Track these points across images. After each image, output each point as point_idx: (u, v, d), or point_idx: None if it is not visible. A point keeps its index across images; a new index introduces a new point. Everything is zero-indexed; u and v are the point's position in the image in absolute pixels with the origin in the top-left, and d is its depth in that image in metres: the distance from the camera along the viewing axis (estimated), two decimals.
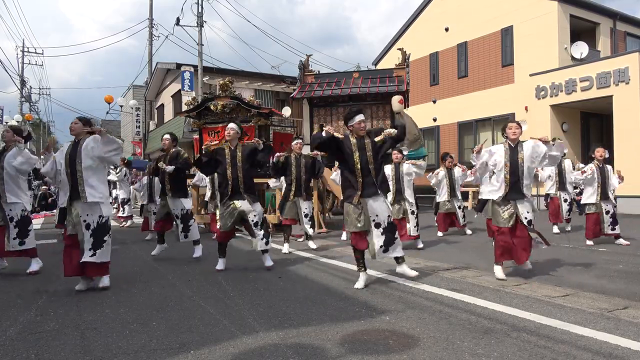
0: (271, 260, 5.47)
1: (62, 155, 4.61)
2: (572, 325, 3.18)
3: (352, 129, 4.52)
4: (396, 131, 4.45)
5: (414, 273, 4.51)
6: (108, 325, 3.34)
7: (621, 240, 7.00)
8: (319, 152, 6.78)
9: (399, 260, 4.54)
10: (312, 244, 6.91)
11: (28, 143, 5.68)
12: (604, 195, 7.03)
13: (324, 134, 4.43)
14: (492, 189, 4.81)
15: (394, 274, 4.94)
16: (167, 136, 6.49)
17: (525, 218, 4.63)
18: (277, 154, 6.90)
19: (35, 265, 5.39)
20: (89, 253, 4.39)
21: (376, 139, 4.50)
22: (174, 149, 6.42)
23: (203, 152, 5.41)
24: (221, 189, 5.42)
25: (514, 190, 4.66)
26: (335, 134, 4.49)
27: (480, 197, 4.97)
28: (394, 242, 4.42)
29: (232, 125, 5.48)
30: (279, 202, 7.24)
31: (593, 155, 7.22)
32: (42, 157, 6.12)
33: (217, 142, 5.76)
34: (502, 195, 4.69)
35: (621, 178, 7.20)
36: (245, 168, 5.28)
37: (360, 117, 4.48)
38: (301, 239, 7.60)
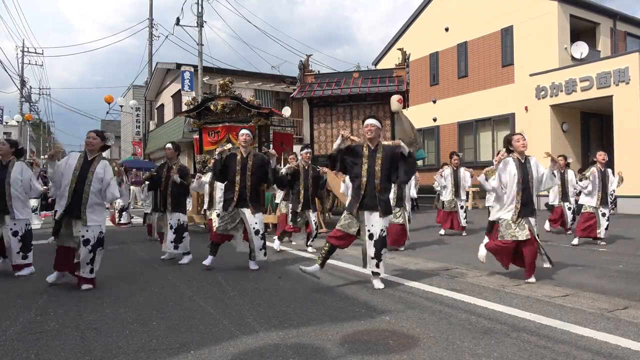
0: (256, 264, 5.44)
1: (69, 166, 4.51)
2: (572, 325, 3.18)
3: (363, 132, 4.52)
4: (407, 149, 4.37)
5: (380, 285, 4.36)
6: (108, 325, 3.34)
7: (602, 242, 7.04)
8: (328, 170, 6.83)
9: (374, 274, 4.44)
10: (309, 249, 6.92)
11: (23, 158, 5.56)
12: (603, 200, 7.04)
13: (335, 144, 4.49)
14: (502, 208, 4.63)
15: (394, 274, 4.94)
16: (169, 145, 6.37)
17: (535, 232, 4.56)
18: (287, 165, 6.86)
19: (26, 270, 5.31)
20: (87, 268, 4.41)
21: (390, 151, 4.41)
22: (178, 162, 6.35)
23: (218, 159, 5.39)
24: (227, 194, 5.40)
25: (527, 206, 4.54)
26: (352, 137, 4.51)
27: (489, 218, 4.84)
28: (381, 258, 4.38)
29: (245, 131, 5.48)
30: (291, 215, 7.15)
31: (595, 159, 7.23)
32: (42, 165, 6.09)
33: (229, 145, 5.77)
34: (515, 213, 4.52)
35: (621, 179, 7.22)
36: (254, 177, 5.32)
37: (369, 121, 4.46)
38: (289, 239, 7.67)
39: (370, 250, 4.36)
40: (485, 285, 4.42)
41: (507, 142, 4.80)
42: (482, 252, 4.74)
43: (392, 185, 4.70)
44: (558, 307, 3.63)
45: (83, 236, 4.38)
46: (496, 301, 3.81)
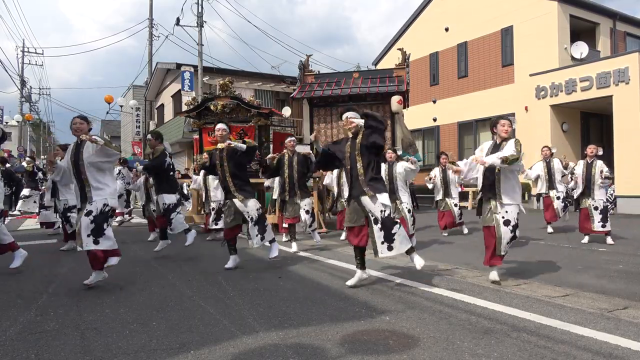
0: (276, 250, 5.51)
1: (66, 160, 4.68)
2: (572, 325, 3.18)
3: (344, 126, 4.56)
4: (363, 121, 4.35)
5: (420, 262, 4.29)
6: (108, 325, 3.34)
7: (608, 239, 7.05)
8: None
9: (408, 251, 4.37)
10: (317, 236, 7.02)
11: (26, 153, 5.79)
12: (587, 190, 7.11)
13: (314, 149, 4.69)
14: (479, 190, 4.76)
15: (394, 274, 4.94)
16: (149, 136, 6.68)
17: (503, 217, 4.44)
18: (270, 155, 6.92)
19: (18, 260, 5.41)
20: (89, 240, 4.36)
21: (359, 137, 4.43)
22: (157, 147, 6.51)
23: (205, 160, 5.61)
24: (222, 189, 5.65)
25: (489, 189, 4.53)
26: (314, 138, 4.72)
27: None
28: (393, 238, 4.24)
29: (222, 125, 5.59)
30: (279, 204, 7.30)
31: (586, 153, 7.40)
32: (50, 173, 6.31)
33: (205, 155, 5.87)
34: (480, 191, 4.66)
35: (601, 175, 7.12)
36: (231, 167, 5.36)
37: (346, 114, 4.49)
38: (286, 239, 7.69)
39: (379, 235, 4.26)
40: (485, 285, 4.42)
41: (493, 125, 4.71)
42: (492, 276, 4.54)
43: (379, 165, 4.64)
44: (558, 307, 3.63)
45: (86, 209, 4.41)
46: (496, 301, 3.81)
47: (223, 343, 2.94)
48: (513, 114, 15.75)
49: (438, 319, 3.36)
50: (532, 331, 3.08)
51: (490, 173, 4.53)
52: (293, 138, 7.06)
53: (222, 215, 5.61)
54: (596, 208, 7.03)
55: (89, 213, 4.40)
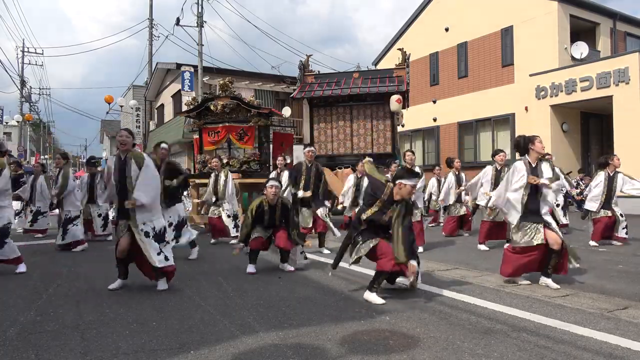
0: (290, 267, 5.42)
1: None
2: (572, 325, 3.18)
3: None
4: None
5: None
6: (108, 325, 3.34)
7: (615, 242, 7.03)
8: None
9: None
10: (324, 251, 6.84)
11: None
12: (607, 202, 7.04)
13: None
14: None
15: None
16: (164, 145, 6.11)
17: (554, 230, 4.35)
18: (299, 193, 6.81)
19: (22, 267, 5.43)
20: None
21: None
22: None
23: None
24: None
25: (535, 213, 4.40)
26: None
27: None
28: None
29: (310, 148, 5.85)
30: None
31: (610, 162, 7.15)
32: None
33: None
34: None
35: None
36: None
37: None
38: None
39: None
40: (485, 285, 4.42)
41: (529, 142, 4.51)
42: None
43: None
44: (558, 307, 3.63)
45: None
46: (496, 301, 3.81)
47: (223, 343, 2.94)
48: (513, 114, 15.75)
49: (438, 319, 3.36)
50: (532, 331, 3.08)
51: (535, 198, 4.38)
52: (312, 149, 7.02)
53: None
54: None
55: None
